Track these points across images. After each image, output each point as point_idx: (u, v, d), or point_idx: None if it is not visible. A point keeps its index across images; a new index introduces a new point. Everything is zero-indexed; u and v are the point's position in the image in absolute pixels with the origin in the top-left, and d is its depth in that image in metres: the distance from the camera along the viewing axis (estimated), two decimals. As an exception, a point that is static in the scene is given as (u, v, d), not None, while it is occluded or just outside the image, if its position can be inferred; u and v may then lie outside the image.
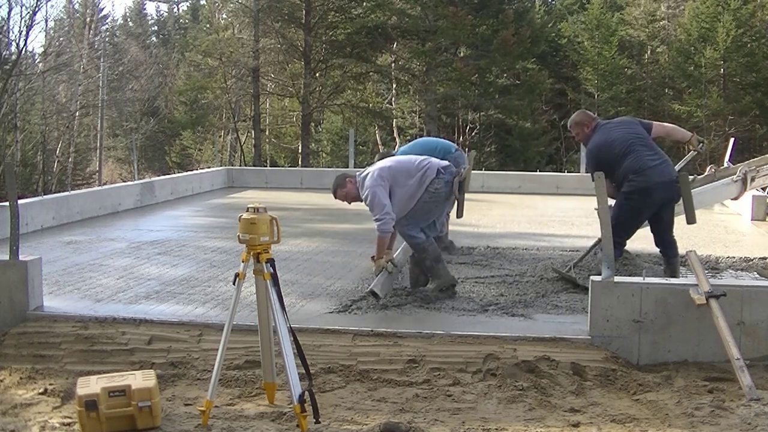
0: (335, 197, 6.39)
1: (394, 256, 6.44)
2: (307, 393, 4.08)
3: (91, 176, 33.98)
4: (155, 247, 8.55)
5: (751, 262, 7.79)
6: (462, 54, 29.68)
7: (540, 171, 24.80)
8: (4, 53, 25.31)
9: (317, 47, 28.30)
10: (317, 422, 4.10)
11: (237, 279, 4.22)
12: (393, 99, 32.90)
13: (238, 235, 4.20)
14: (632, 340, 5.02)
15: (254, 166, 27.28)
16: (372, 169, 6.16)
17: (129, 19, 58.43)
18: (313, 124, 32.11)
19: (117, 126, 38.90)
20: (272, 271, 4.18)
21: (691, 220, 6.45)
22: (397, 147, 30.08)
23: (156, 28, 59.39)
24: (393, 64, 30.69)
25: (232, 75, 30.66)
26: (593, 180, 5.23)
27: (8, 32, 25.89)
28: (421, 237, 6.16)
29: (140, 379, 4.16)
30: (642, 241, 7.01)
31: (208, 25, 37.67)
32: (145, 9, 62.34)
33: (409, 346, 4.99)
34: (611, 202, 5.84)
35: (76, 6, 40.00)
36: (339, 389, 4.63)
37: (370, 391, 4.60)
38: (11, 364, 5.01)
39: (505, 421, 4.20)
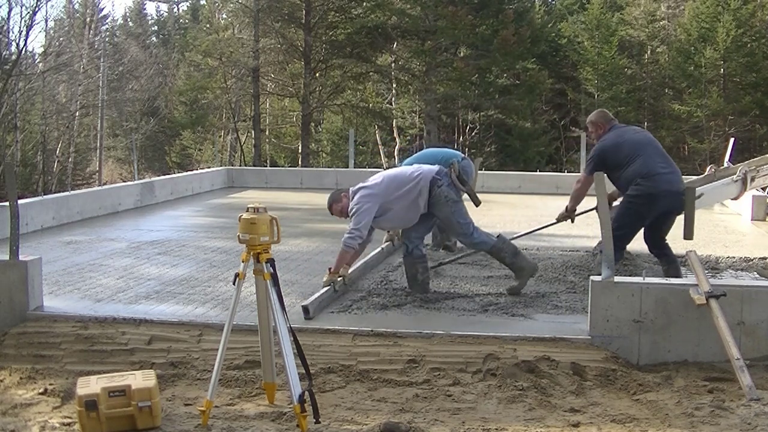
0: (331, 213, 6.42)
1: (348, 273, 6.31)
2: (307, 393, 4.08)
3: (91, 176, 33.99)
4: (155, 247, 8.55)
5: (751, 262, 7.78)
6: (462, 54, 29.69)
7: (540, 171, 24.81)
8: (4, 53, 25.32)
9: (317, 47, 28.30)
10: (317, 422, 4.10)
11: (237, 279, 4.22)
12: (393, 99, 32.90)
13: (238, 235, 4.20)
14: (632, 340, 5.01)
15: (254, 166, 27.28)
16: (365, 184, 6.20)
17: (129, 19, 58.44)
18: (313, 124, 32.12)
19: (117, 126, 38.90)
20: (272, 271, 4.18)
21: (688, 236, 6.43)
22: (398, 144, 30.24)
23: (156, 28, 59.37)
24: (393, 64, 30.69)
25: (232, 75, 30.67)
26: (584, 171, 5.16)
27: (8, 32, 25.93)
28: (490, 240, 6.26)
29: (140, 379, 4.16)
30: (642, 241, 7.00)
31: (208, 25, 37.66)
32: (145, 9, 62.41)
33: (409, 346, 4.99)
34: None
35: (76, 6, 40.03)
36: (339, 389, 4.63)
37: (370, 391, 4.60)
38: (11, 364, 5.00)
39: (505, 421, 4.20)
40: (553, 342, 5.00)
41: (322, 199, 6.86)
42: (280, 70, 30.13)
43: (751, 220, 11.06)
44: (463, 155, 8.20)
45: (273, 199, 13.59)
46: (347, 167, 17.74)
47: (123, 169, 39.40)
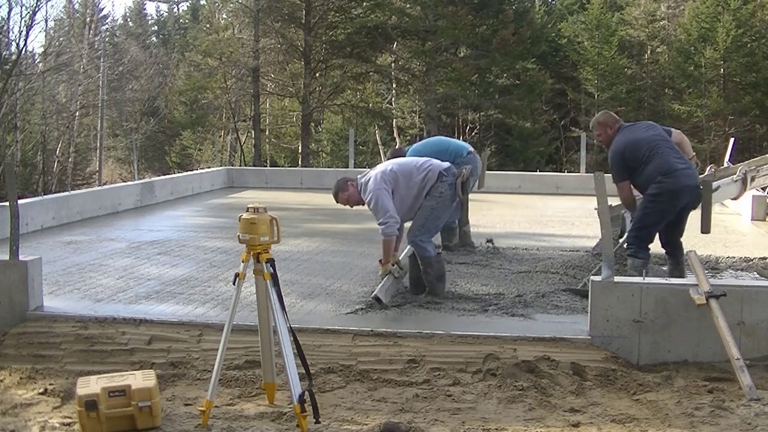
0: (337, 201, 6.30)
1: (400, 258, 6.37)
2: (307, 393, 4.08)
3: (91, 176, 33.98)
4: (155, 247, 8.55)
5: (751, 262, 7.78)
6: (462, 54, 29.69)
7: (540, 171, 24.81)
8: (4, 53, 25.31)
9: (317, 47, 28.30)
10: (317, 422, 4.10)
11: (237, 279, 4.22)
12: (393, 99, 32.91)
13: (238, 235, 4.20)
14: (632, 340, 5.02)
15: (254, 166, 27.28)
16: (374, 173, 6.11)
17: (129, 19, 58.42)
18: (313, 124, 32.12)
19: (117, 126, 38.91)
20: (272, 271, 4.19)
21: (706, 228, 6.41)
22: (398, 144, 30.20)
23: (156, 28, 59.36)
24: (393, 64, 30.70)
25: (232, 75, 30.67)
26: (614, 181, 5.08)
27: (8, 32, 25.91)
28: (432, 251, 6.14)
29: (140, 379, 4.16)
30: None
31: (208, 25, 37.65)
32: (145, 9, 62.37)
33: (409, 346, 4.99)
34: (612, 201, 5.79)
35: (76, 6, 40.02)
36: (339, 389, 4.63)
37: (370, 391, 4.60)
38: (11, 364, 5.01)
39: (505, 421, 4.20)
40: (553, 342, 5.00)
41: (322, 199, 6.92)
42: (280, 70, 30.14)
43: (751, 220, 11.06)
44: (470, 149, 8.16)
45: (273, 199, 13.59)
46: (347, 167, 17.74)
47: (123, 169, 39.39)
